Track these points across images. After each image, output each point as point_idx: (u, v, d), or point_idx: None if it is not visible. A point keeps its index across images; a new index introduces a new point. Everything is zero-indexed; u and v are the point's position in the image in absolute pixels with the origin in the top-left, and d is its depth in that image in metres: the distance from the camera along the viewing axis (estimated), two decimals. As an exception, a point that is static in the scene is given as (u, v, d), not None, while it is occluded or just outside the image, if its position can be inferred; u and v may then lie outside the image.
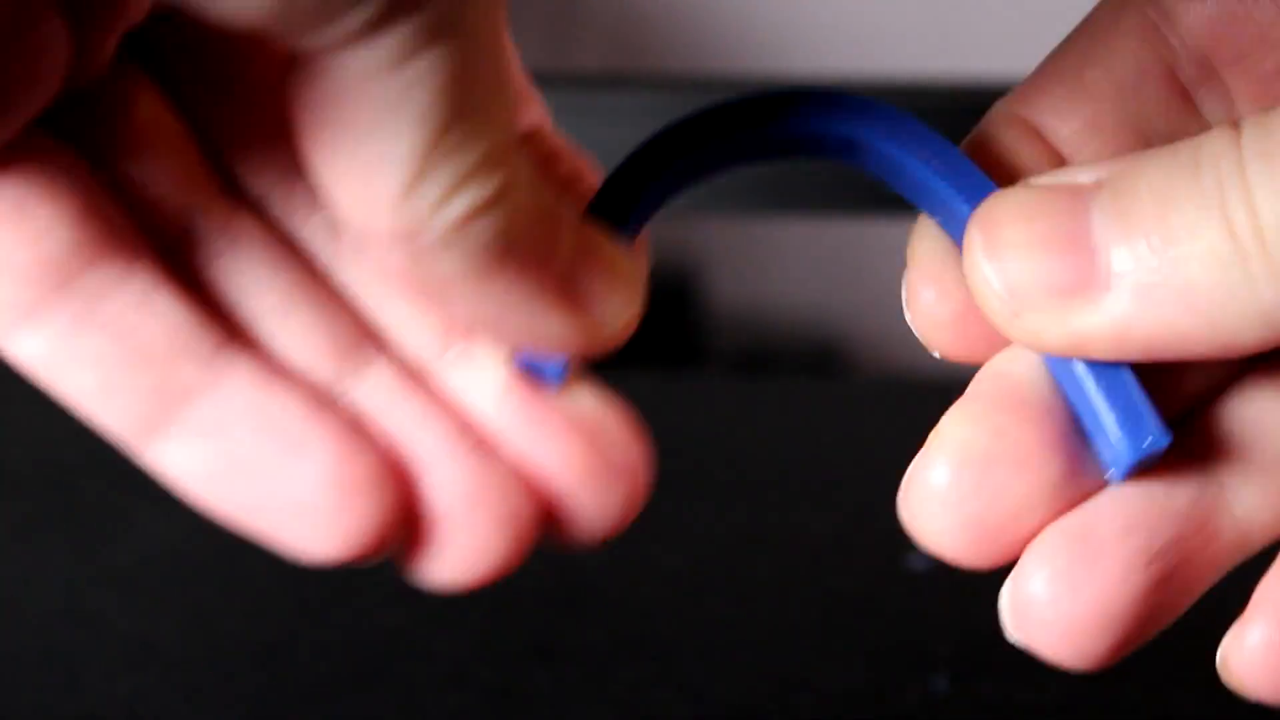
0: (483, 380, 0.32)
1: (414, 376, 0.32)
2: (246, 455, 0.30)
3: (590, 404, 0.32)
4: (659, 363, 1.03)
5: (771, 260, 1.11)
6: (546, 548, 0.32)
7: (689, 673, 0.51)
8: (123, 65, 0.31)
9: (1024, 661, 0.50)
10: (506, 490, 0.31)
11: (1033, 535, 0.31)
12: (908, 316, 0.32)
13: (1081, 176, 0.31)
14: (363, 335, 0.32)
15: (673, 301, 1.07)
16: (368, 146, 0.28)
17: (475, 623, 0.53)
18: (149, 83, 0.31)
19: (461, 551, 0.31)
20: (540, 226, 0.30)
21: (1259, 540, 0.32)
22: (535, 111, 0.35)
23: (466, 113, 0.28)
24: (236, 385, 0.30)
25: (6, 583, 0.56)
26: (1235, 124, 0.30)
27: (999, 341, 0.32)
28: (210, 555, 0.58)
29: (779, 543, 0.58)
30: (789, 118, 0.33)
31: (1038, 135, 0.33)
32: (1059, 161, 0.33)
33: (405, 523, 0.30)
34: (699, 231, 1.11)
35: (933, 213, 0.33)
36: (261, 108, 0.32)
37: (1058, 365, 0.31)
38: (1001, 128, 0.34)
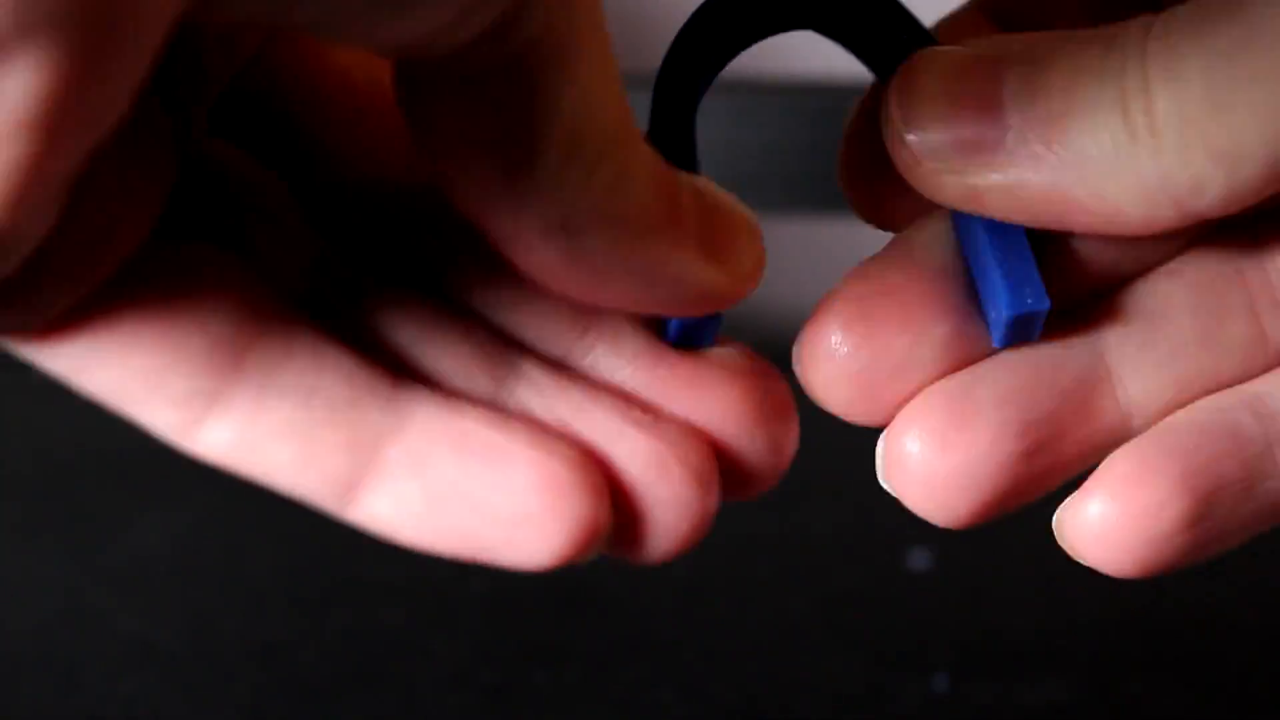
0: (625, 358, 0.32)
1: (561, 371, 0.32)
2: (454, 483, 0.30)
3: (730, 354, 0.32)
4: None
5: (772, 260, 1.10)
6: (729, 499, 0.32)
7: (689, 673, 0.51)
8: (209, 138, 0.31)
9: (1024, 661, 0.50)
10: (687, 448, 0.31)
11: (915, 394, 0.32)
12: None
13: (1008, 46, 0.32)
14: (504, 346, 0.32)
15: (673, 301, 1.07)
16: (507, 149, 0.28)
17: (475, 623, 0.53)
18: (236, 149, 0.32)
19: (664, 519, 0.31)
20: (664, 191, 0.30)
21: (1140, 426, 0.33)
22: None
23: (601, 98, 0.28)
24: (424, 419, 0.30)
25: (6, 583, 0.56)
26: (1154, 14, 0.31)
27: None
28: (210, 555, 0.58)
29: (779, 543, 0.58)
30: None
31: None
32: None
33: (613, 508, 0.31)
34: (699, 231, 1.11)
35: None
36: (349, 144, 0.32)
37: (963, 232, 0.32)
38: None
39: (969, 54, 0.32)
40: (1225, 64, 0.30)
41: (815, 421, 0.34)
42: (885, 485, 0.33)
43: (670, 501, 0.31)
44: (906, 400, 0.32)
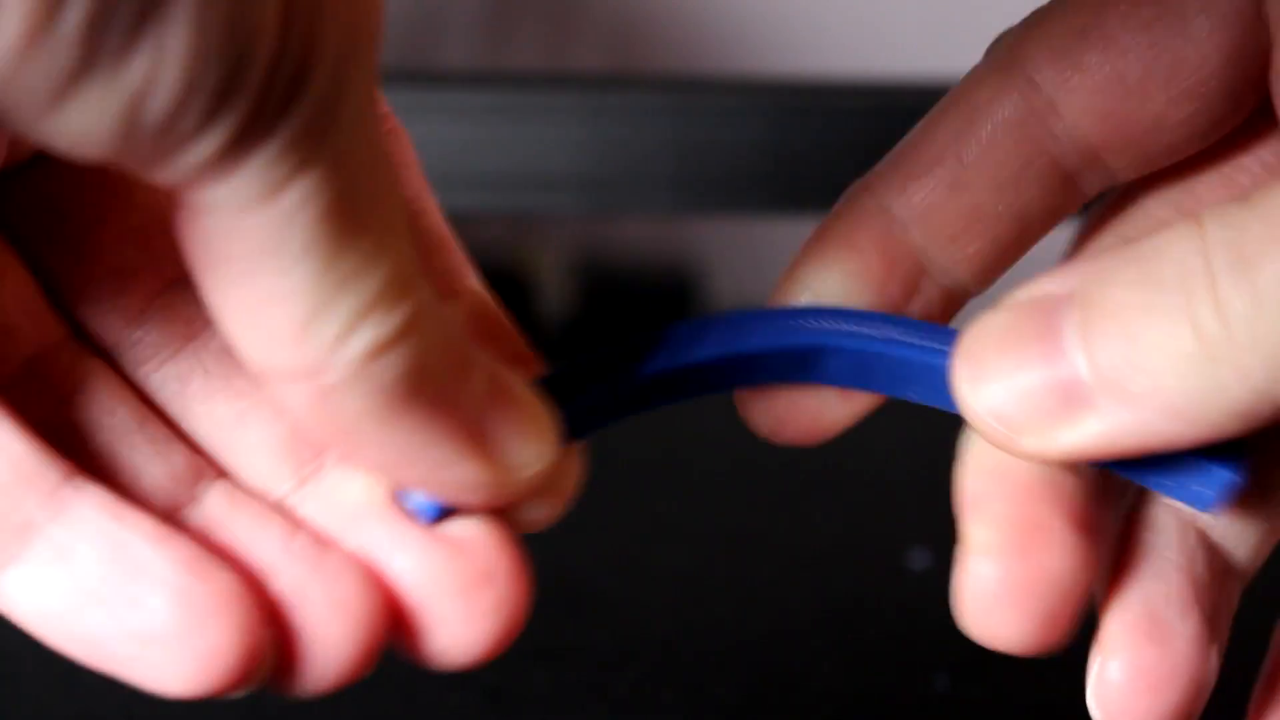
0: (339, 503, 0.31)
1: (257, 495, 0.31)
2: (92, 584, 0.29)
3: (464, 525, 0.31)
4: (659, 363, 1.03)
5: (771, 260, 1.10)
6: (417, 662, 0.31)
7: (689, 673, 0.51)
8: None
9: (1024, 661, 0.50)
10: (350, 580, 0.30)
11: (1082, 601, 0.32)
12: None
13: (1051, 287, 0.31)
14: (205, 464, 0.31)
15: (673, 301, 1.07)
16: (256, 282, 0.27)
17: (475, 623, 0.53)
18: None
19: (319, 655, 0.30)
20: (450, 365, 0.29)
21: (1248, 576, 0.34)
22: (470, 277, 0.34)
23: (354, 241, 0.27)
24: (81, 514, 0.29)
25: (6, 583, 0.56)
26: (1197, 220, 0.30)
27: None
28: (210, 555, 0.58)
29: (779, 543, 0.58)
30: (751, 339, 0.33)
31: (894, 225, 0.34)
32: (915, 263, 0.34)
33: (266, 640, 0.29)
34: (699, 231, 1.11)
35: (910, 385, 0.33)
36: (107, 255, 0.31)
37: None
38: (867, 216, 0.34)
39: (1017, 312, 0.31)
40: None
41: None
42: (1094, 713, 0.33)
43: (321, 636, 0.30)
44: (1077, 612, 0.32)
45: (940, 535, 0.34)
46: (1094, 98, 0.33)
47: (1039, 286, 0.31)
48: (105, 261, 0.31)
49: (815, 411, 0.34)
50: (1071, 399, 0.30)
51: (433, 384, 0.28)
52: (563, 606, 0.54)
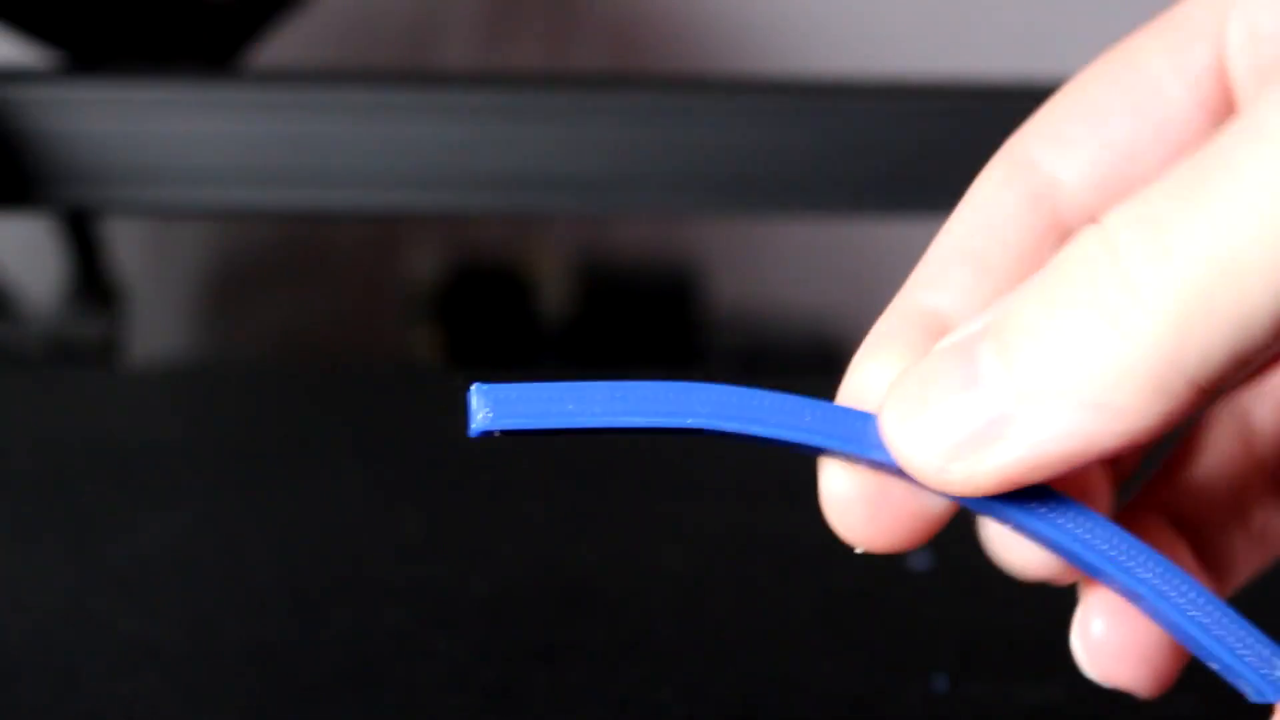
0: None
1: None
2: None
3: None
4: (659, 363, 1.03)
5: (771, 260, 1.10)
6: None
7: (689, 673, 0.51)
8: None
9: (1024, 661, 0.50)
10: None
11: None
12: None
13: (970, 327, 0.32)
14: None
15: (673, 301, 1.07)
16: None
17: (475, 623, 0.53)
18: None
19: None
20: None
21: None
22: None
23: None
24: None
25: (6, 583, 0.56)
26: (1096, 220, 0.31)
27: (918, 526, 0.34)
28: (210, 555, 0.58)
29: (779, 543, 0.58)
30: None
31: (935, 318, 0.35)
32: None
33: None
34: (699, 231, 1.11)
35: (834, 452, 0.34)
36: None
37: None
38: (908, 319, 0.35)
39: (937, 352, 0.32)
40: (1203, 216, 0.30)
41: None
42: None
43: None
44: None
45: (940, 535, 0.34)
46: (1089, 168, 0.34)
47: (959, 329, 0.32)
48: None
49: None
50: (994, 420, 0.31)
51: None
52: (563, 606, 0.54)
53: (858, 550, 0.34)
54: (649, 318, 1.08)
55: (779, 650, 0.52)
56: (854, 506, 0.34)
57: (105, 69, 0.84)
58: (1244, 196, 0.29)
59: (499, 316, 1.08)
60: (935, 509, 0.33)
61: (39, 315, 0.98)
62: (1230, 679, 0.33)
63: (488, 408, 0.32)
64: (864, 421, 0.32)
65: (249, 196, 0.79)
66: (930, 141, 0.77)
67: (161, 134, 0.79)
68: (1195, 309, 0.29)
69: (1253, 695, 0.33)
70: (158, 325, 1.14)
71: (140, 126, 0.79)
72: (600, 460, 0.64)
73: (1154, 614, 0.33)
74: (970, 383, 0.31)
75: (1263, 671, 0.32)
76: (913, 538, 0.34)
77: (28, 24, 0.89)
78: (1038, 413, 0.31)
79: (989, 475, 0.31)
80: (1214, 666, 0.33)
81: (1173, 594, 0.32)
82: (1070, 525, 0.32)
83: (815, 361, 1.07)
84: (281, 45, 1.02)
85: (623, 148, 0.75)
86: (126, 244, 1.10)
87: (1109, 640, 0.34)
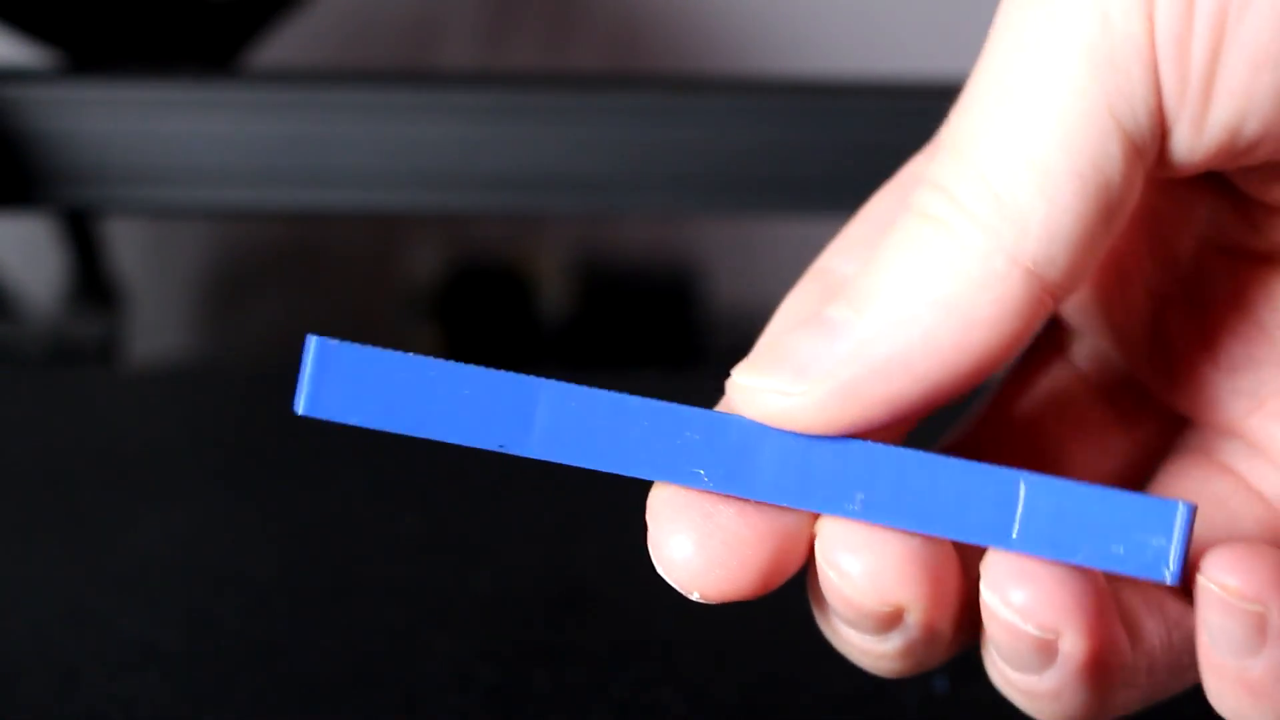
0: None
1: None
2: None
3: None
4: (659, 363, 1.03)
5: (771, 260, 1.10)
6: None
7: (689, 673, 0.51)
8: None
9: (1024, 661, 0.50)
10: None
11: None
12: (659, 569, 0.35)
13: (827, 310, 0.34)
14: None
15: (673, 301, 1.07)
16: None
17: (475, 623, 0.53)
18: None
19: None
20: None
21: None
22: None
23: None
24: None
25: (6, 583, 0.56)
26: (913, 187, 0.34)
27: (768, 570, 0.36)
28: (210, 555, 0.58)
29: (779, 543, 0.58)
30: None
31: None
32: None
33: None
34: (699, 231, 1.11)
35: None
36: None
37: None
38: (819, 278, 0.38)
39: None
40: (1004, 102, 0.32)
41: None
42: None
43: None
44: None
45: (940, 535, 0.34)
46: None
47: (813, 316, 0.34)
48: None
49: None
50: (853, 347, 0.33)
51: None
52: (563, 606, 0.54)
53: (693, 597, 0.35)
54: (649, 317, 1.08)
55: (779, 650, 0.52)
56: (689, 547, 0.35)
57: (105, 69, 0.84)
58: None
59: (499, 316, 1.08)
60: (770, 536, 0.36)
61: (39, 315, 0.98)
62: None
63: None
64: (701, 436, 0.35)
65: (249, 196, 0.79)
66: (930, 141, 0.77)
67: (161, 134, 0.79)
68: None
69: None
70: (158, 325, 1.14)
71: (140, 126, 0.79)
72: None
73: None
74: (825, 332, 0.33)
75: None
76: (752, 577, 0.36)
77: (28, 24, 0.89)
78: (890, 319, 0.32)
79: (856, 389, 0.33)
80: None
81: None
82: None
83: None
84: (281, 45, 1.02)
85: (623, 148, 0.75)
86: (126, 244, 1.10)
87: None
